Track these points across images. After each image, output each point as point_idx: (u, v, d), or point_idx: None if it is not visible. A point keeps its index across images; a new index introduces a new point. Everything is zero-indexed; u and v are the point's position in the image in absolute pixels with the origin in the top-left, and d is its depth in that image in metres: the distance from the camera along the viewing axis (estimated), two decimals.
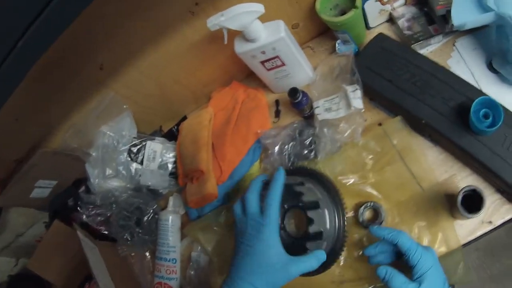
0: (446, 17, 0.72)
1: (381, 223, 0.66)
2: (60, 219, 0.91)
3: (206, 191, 0.73)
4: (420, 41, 0.74)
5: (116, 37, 0.68)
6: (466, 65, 0.72)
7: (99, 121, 0.83)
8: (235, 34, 0.70)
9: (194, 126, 0.80)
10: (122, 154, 0.84)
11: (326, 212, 0.58)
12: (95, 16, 0.57)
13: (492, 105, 0.59)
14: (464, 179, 0.67)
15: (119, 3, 0.61)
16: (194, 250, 0.80)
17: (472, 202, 0.59)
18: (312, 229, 0.55)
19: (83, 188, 0.92)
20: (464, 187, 0.59)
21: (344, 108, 0.70)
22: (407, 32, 0.75)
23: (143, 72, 0.77)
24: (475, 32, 0.73)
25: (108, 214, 0.86)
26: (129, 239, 0.84)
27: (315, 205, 0.57)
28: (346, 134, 0.69)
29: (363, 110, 0.69)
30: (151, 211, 0.83)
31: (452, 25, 0.71)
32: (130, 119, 0.84)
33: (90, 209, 0.86)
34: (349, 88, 0.70)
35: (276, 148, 0.73)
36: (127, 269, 0.88)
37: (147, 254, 0.86)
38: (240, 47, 0.69)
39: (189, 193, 0.77)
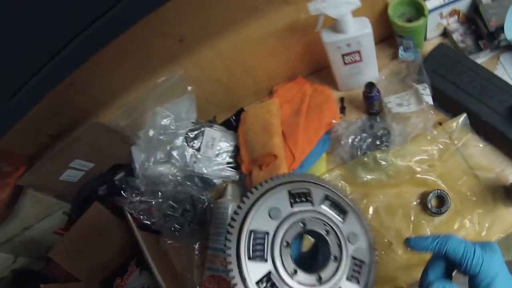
0: (494, 34, 0.82)
1: (447, 210, 0.70)
2: (86, 208, 0.82)
3: None
4: (471, 53, 0.83)
5: (202, 8, 0.67)
6: (509, 77, 0.82)
7: (157, 101, 0.78)
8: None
9: (263, 115, 0.79)
10: (178, 138, 0.79)
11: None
12: None
13: None
14: None
15: None
16: None
17: None
18: None
19: (121, 174, 0.85)
20: None
21: (414, 104, 0.75)
22: (461, 45, 0.84)
23: (219, 52, 0.75)
24: None
25: (153, 202, 0.79)
26: (178, 229, 0.78)
27: None
28: (417, 128, 0.74)
29: (433, 106, 0.74)
30: (206, 200, 0.79)
31: (500, 41, 0.81)
32: (190, 103, 0.80)
33: (133, 196, 0.79)
34: (420, 87, 0.75)
35: (349, 139, 0.75)
36: (169, 262, 0.81)
37: (196, 246, 0.80)
38: (328, 37, 0.72)
39: (256, 181, 0.75)
